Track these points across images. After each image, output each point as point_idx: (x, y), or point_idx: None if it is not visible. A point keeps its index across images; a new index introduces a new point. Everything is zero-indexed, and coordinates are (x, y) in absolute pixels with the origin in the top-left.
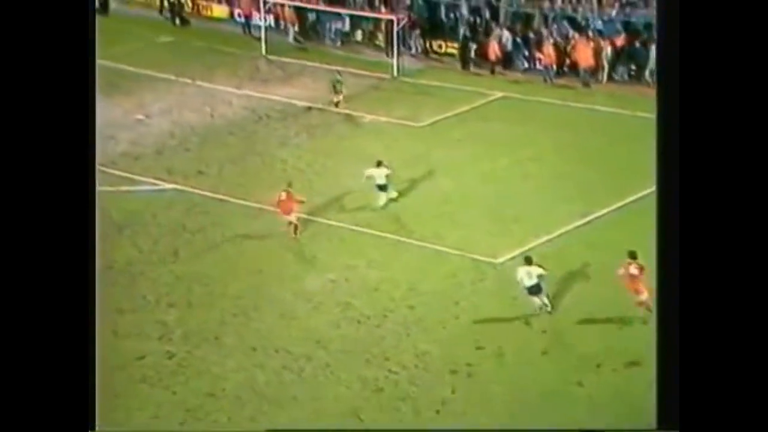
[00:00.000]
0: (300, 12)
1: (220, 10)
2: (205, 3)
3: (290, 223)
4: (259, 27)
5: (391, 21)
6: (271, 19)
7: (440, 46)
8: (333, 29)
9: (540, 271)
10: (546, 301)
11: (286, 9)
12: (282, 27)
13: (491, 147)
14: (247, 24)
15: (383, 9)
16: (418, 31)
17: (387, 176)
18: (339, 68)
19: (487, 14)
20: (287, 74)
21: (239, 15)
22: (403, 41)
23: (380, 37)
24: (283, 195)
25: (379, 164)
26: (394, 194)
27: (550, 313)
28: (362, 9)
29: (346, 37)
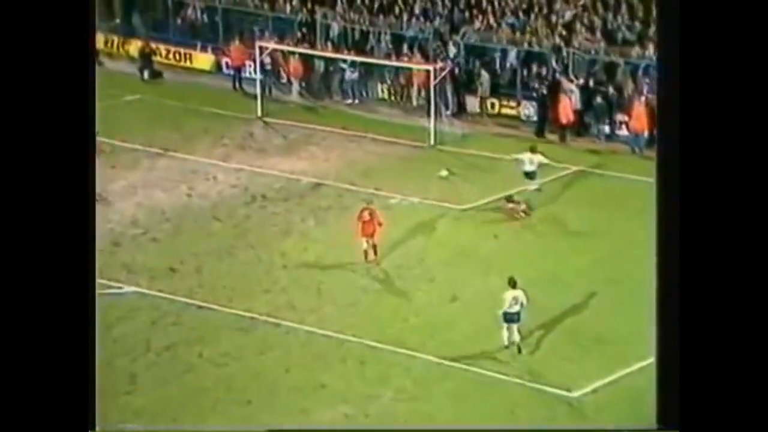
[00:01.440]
0: (307, 60)
1: (204, 60)
2: (183, 50)
3: (366, 250)
4: (254, 81)
5: (427, 72)
6: (269, 70)
7: (492, 105)
8: (350, 83)
9: (524, 298)
10: (518, 338)
11: (290, 57)
12: (284, 80)
13: (561, 239)
14: (238, 77)
15: (417, 56)
16: (462, 86)
17: (538, 164)
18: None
19: (556, 63)
20: (290, 142)
21: (227, 66)
22: (443, 98)
23: (413, 93)
24: (366, 214)
25: (533, 150)
26: (534, 186)
27: (521, 353)
28: (388, 57)
29: (367, 93)
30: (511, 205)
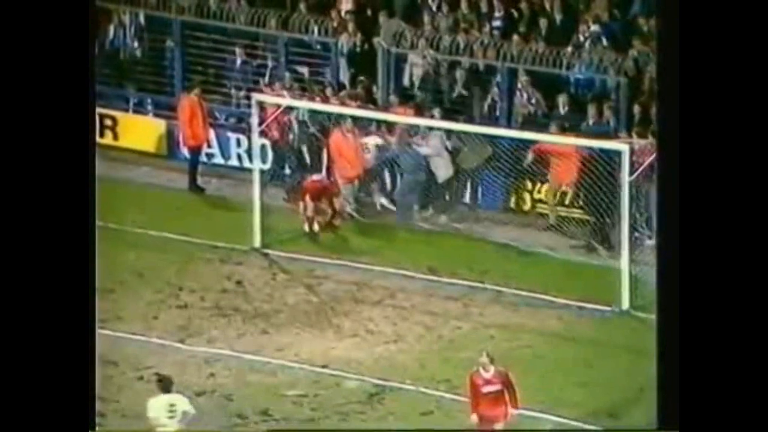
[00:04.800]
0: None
1: (144, 131)
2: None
3: None
4: (232, 173)
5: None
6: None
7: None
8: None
9: (186, 406)
10: None
11: (334, 125)
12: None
13: None
14: (195, 165)
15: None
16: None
17: None
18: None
19: None
20: (321, 300)
21: (186, 146)
22: (649, 208)
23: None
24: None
25: None
26: None
27: None
28: (530, 121)
29: (476, 198)
30: None
